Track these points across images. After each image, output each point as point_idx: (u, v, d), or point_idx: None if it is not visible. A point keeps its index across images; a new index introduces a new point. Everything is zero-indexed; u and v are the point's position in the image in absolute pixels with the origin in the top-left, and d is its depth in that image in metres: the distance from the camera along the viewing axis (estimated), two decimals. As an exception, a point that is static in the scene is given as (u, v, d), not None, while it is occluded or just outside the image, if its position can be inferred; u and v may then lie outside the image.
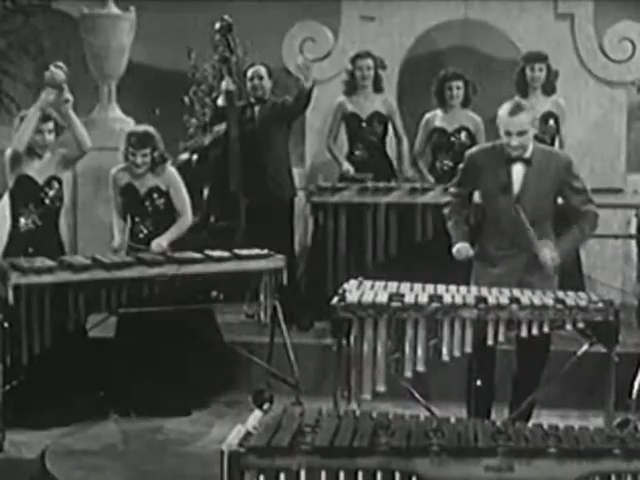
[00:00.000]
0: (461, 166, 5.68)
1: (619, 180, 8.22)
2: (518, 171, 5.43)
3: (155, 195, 6.48)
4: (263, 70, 7.60)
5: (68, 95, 6.19)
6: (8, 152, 6.22)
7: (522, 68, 7.70)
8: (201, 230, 7.29)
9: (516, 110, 5.33)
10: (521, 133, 5.34)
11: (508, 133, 5.35)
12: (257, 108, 7.59)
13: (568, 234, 5.45)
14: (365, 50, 7.90)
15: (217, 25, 7.55)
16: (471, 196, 5.70)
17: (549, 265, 5.38)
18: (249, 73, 7.61)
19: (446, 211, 5.68)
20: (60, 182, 6.32)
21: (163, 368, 6.32)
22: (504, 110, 5.37)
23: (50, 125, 6.20)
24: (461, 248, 5.51)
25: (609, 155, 8.39)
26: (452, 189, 5.72)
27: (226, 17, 7.54)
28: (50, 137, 6.22)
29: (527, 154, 5.42)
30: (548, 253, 5.37)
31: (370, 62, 7.80)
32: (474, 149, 5.71)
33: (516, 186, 5.43)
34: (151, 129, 6.48)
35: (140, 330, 6.33)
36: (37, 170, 6.24)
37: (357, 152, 7.88)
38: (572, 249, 5.66)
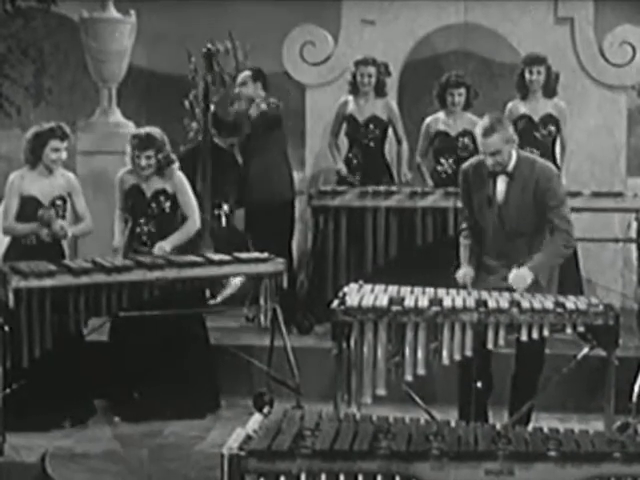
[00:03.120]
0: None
1: (619, 184, 8.21)
2: (501, 184, 5.45)
3: (161, 198, 6.41)
4: (246, 75, 7.64)
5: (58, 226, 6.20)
6: (11, 177, 6.24)
7: (522, 71, 7.69)
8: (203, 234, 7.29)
9: (488, 131, 5.33)
10: (494, 153, 5.36)
11: (483, 152, 5.40)
12: (249, 112, 7.61)
13: (541, 250, 5.37)
14: (370, 57, 7.81)
15: (204, 50, 7.66)
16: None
17: (520, 289, 5.26)
18: (238, 79, 7.67)
19: (460, 237, 5.66)
20: (65, 201, 6.28)
21: (158, 372, 6.32)
22: (478, 130, 5.41)
23: (66, 144, 6.21)
24: (463, 274, 5.46)
25: (609, 159, 8.38)
26: (464, 213, 5.71)
27: (210, 46, 7.68)
28: (64, 155, 6.23)
29: (509, 168, 5.43)
30: (514, 278, 5.28)
31: (371, 70, 7.76)
32: (464, 165, 5.71)
33: (499, 198, 5.44)
34: (155, 131, 6.40)
35: (133, 333, 6.30)
36: (42, 191, 6.22)
37: (352, 154, 7.88)
38: (547, 263, 5.38)
